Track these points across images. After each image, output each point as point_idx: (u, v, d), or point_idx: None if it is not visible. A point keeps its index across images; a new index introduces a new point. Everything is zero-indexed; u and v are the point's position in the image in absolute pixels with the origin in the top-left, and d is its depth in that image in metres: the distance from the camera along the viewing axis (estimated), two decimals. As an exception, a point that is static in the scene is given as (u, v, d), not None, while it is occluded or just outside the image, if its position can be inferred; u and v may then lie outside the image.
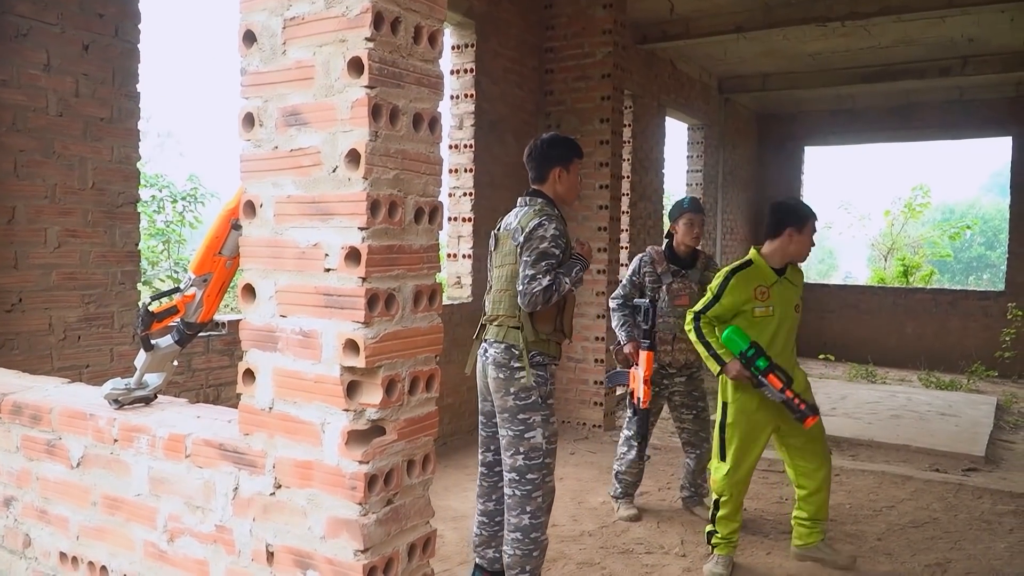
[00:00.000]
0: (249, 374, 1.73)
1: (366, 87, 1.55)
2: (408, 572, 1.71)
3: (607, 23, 6.55)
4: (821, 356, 11.50)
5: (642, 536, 4.20)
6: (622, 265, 7.83)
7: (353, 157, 1.57)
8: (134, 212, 3.74)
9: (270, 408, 1.69)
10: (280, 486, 1.69)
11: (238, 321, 4.15)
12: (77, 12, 3.51)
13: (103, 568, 2.02)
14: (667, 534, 4.24)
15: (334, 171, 1.59)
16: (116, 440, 1.98)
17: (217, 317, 4.20)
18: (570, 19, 6.71)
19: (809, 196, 12.75)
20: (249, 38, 1.71)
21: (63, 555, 2.12)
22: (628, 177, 7.97)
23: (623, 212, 7.91)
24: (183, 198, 10.35)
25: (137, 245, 3.75)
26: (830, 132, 11.98)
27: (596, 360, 6.57)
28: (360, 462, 1.57)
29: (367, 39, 1.55)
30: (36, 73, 3.38)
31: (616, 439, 6.31)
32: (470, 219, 6.04)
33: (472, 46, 6.01)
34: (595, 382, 6.58)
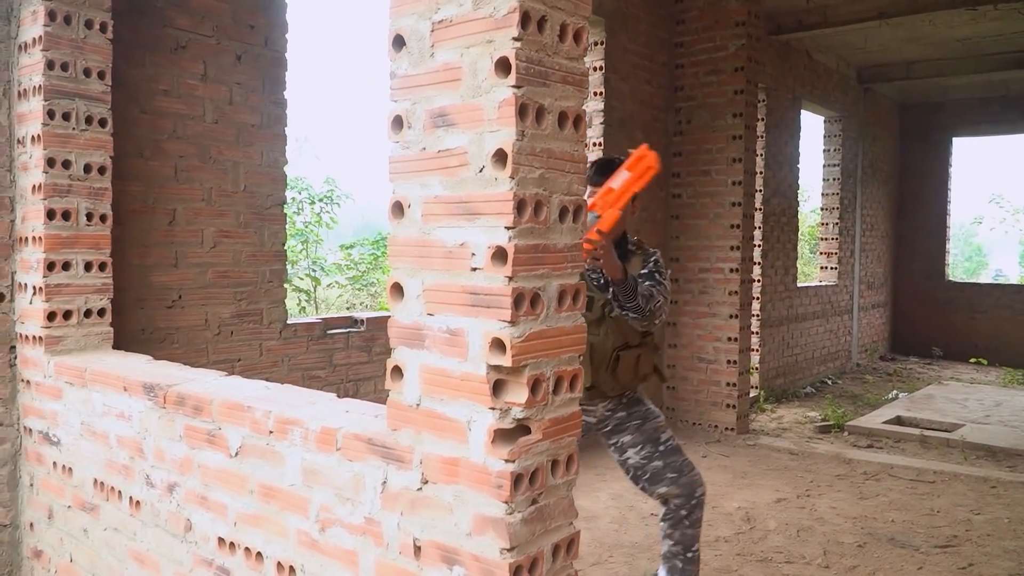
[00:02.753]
0: (397, 371, 1.77)
1: (513, 87, 1.55)
2: (552, 572, 1.70)
3: (740, 15, 6.35)
4: (972, 360, 10.73)
5: (781, 545, 4.04)
6: (755, 263, 7.57)
7: (500, 157, 1.57)
8: (281, 213, 3.93)
9: (417, 404, 1.72)
10: (427, 481, 1.71)
11: (377, 318, 4.31)
12: (230, 24, 3.72)
13: (259, 554, 2.13)
14: (807, 543, 4.06)
15: (481, 171, 1.60)
16: (272, 432, 2.07)
17: (355, 314, 4.36)
18: (701, 12, 6.54)
19: (957, 189, 11.94)
20: (398, 42, 1.75)
21: (221, 540, 2.24)
22: (762, 173, 7.70)
23: (756, 209, 7.65)
24: (320, 200, 10.82)
25: (284, 245, 3.94)
26: (980, 121, 11.15)
27: (729, 361, 6.39)
28: (506, 460, 1.57)
29: (514, 39, 1.55)
30: (194, 83, 3.60)
31: (751, 443, 6.12)
32: (598, 217, 5.99)
33: (601, 43, 5.96)
34: (727, 384, 6.39)
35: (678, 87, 6.68)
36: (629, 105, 6.25)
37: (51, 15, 2.94)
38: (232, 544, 2.20)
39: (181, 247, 3.59)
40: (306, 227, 10.10)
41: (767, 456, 5.77)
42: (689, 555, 3.07)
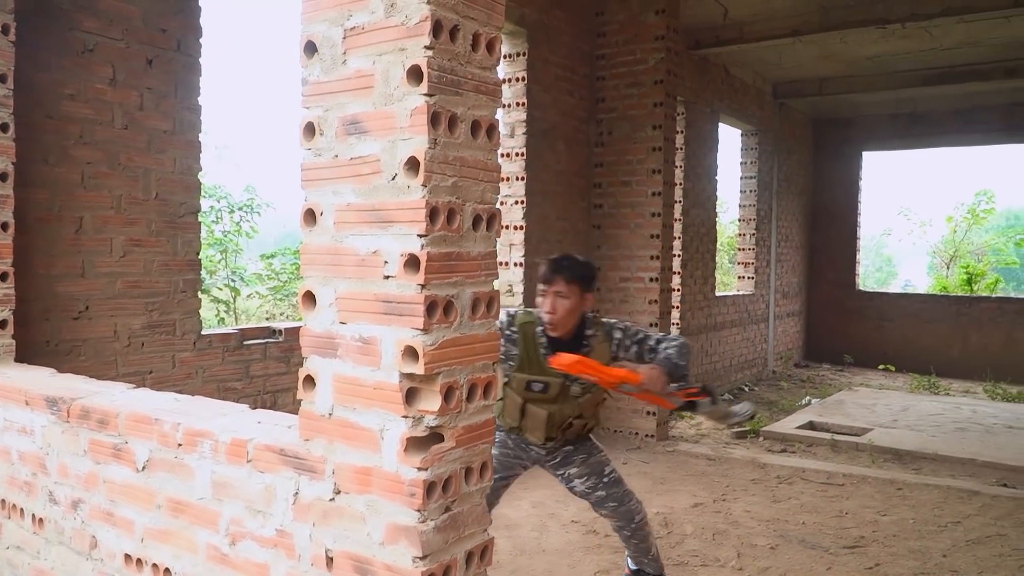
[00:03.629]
0: (309, 380, 1.75)
1: (425, 95, 1.56)
2: (466, 580, 1.70)
3: (659, 29, 6.51)
4: (881, 367, 11.21)
5: (697, 548, 4.13)
6: (675, 273, 7.75)
7: (412, 165, 1.57)
8: (196, 222, 3.83)
9: (330, 414, 1.71)
10: (339, 492, 1.70)
11: (296, 328, 4.23)
12: (141, 27, 3.61)
13: (167, 570, 2.06)
14: (722, 547, 4.16)
15: (393, 179, 1.60)
16: (180, 444, 2.02)
17: (273, 324, 4.28)
18: (622, 25, 6.68)
19: (867, 202, 12.47)
20: (310, 48, 1.74)
21: (128, 557, 2.17)
22: (681, 184, 7.89)
23: (676, 219, 7.83)
24: (240, 208, 10.58)
25: (198, 254, 3.84)
26: (890, 136, 11.69)
27: (649, 369, 6.49)
28: (419, 469, 1.57)
29: (426, 47, 1.56)
30: (102, 87, 3.48)
31: (670, 449, 6.24)
32: (522, 227, 6.04)
33: (523, 54, 6.03)
34: (648, 391, 6.50)
35: (599, 99, 6.80)
36: (551, 116, 6.32)
37: (-52, 13, 2.81)
38: (139, 560, 2.13)
39: (89, 256, 3.46)
40: (225, 236, 9.87)
41: (685, 462, 5.90)
42: (649, 556, 3.43)
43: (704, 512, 4.70)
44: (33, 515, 2.47)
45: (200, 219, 3.87)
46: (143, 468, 2.11)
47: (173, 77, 3.72)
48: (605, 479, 3.26)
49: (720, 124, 8.94)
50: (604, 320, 3.21)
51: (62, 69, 3.35)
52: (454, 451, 1.64)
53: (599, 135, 6.81)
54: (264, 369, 4.16)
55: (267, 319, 10.06)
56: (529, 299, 6.05)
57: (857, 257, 12.09)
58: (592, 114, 6.80)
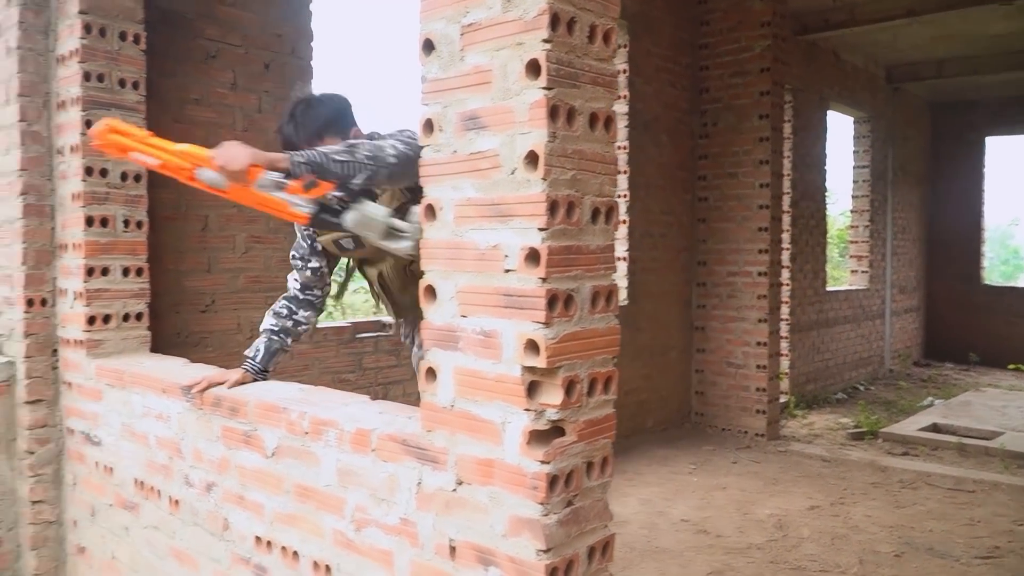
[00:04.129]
0: (431, 372, 1.78)
1: (544, 88, 1.56)
2: (588, 575, 1.70)
3: (765, 15, 6.31)
4: (1011, 366, 10.53)
5: (815, 553, 3.99)
6: (784, 267, 7.51)
7: (531, 159, 1.58)
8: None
9: (451, 406, 1.73)
10: (461, 482, 1.72)
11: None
12: (258, 33, 3.77)
13: (295, 553, 2.15)
14: (843, 552, 4.01)
15: (512, 173, 1.61)
16: (307, 432, 2.09)
17: (384, 319, 4.39)
18: (725, 13, 6.51)
19: (992, 191, 11.73)
20: (428, 46, 1.77)
21: (258, 539, 2.27)
22: (789, 175, 7.64)
23: (784, 211, 7.59)
24: (347, 207, 10.88)
25: (315, 250, 3.98)
26: (1016, 119, 10.96)
27: (758, 366, 6.33)
28: (541, 462, 1.58)
29: (544, 40, 1.56)
30: (224, 92, 3.66)
31: (782, 449, 6.07)
32: (625, 221, 5.98)
33: (625, 46, 5.96)
34: (757, 389, 6.34)
35: (703, 89, 6.66)
36: (654, 108, 6.23)
37: (87, 28, 3.00)
38: (269, 543, 2.23)
39: (214, 253, 3.64)
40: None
41: (799, 463, 5.71)
42: None
43: (821, 515, 4.54)
44: (170, 497, 2.62)
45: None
46: (272, 454, 2.20)
47: (287, 80, 3.87)
48: None
49: (830, 111, 8.60)
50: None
51: (187, 75, 3.54)
52: (575, 445, 1.64)
53: (703, 126, 6.67)
54: (376, 362, 4.27)
55: (374, 313, 10.32)
56: (634, 293, 6.00)
57: (982, 249, 11.40)
58: (695, 105, 6.66)
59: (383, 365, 4.31)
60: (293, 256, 2.64)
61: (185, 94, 3.53)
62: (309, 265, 2.60)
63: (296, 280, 2.63)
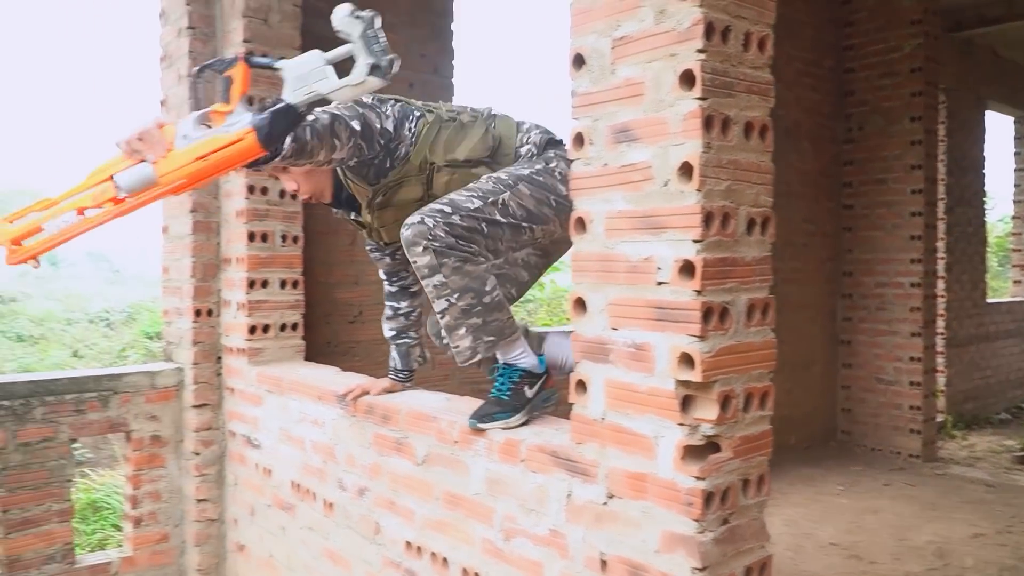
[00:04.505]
0: (581, 385, 1.78)
1: (698, 99, 1.54)
2: (743, 595, 1.65)
3: (915, 13, 5.96)
4: None
5: (979, 582, 3.71)
6: (939, 277, 7.05)
7: (685, 170, 1.56)
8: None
9: (602, 419, 1.73)
10: (612, 496, 1.72)
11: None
12: (404, 53, 3.91)
13: (444, 559, 2.20)
14: (1010, 583, 3.71)
15: (665, 184, 1.60)
16: (456, 442, 2.14)
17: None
18: (872, 12, 6.20)
19: None
20: (578, 61, 1.78)
21: (408, 544, 2.34)
22: (943, 180, 7.18)
23: (939, 218, 7.13)
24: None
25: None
26: None
27: (911, 383, 5.96)
28: (696, 478, 1.55)
29: (699, 50, 1.54)
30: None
31: (940, 472, 5.69)
32: (765, 231, 5.79)
33: (765, 51, 5.78)
34: (910, 407, 5.97)
35: (848, 92, 6.36)
36: (795, 113, 6.01)
37: (250, 55, 3.21)
38: (419, 548, 2.29)
39: (361, 266, 3.80)
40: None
41: (959, 487, 5.33)
42: None
43: (986, 544, 4.21)
44: (324, 499, 2.74)
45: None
46: (422, 462, 2.27)
47: (430, 99, 3.98)
48: None
49: (988, 111, 8.02)
50: None
51: (339, 98, 3.71)
52: (731, 462, 1.60)
53: (848, 131, 6.37)
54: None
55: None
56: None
57: None
58: (839, 109, 6.37)
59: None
60: (369, 251, 2.59)
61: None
62: (384, 252, 2.52)
63: (383, 273, 2.59)
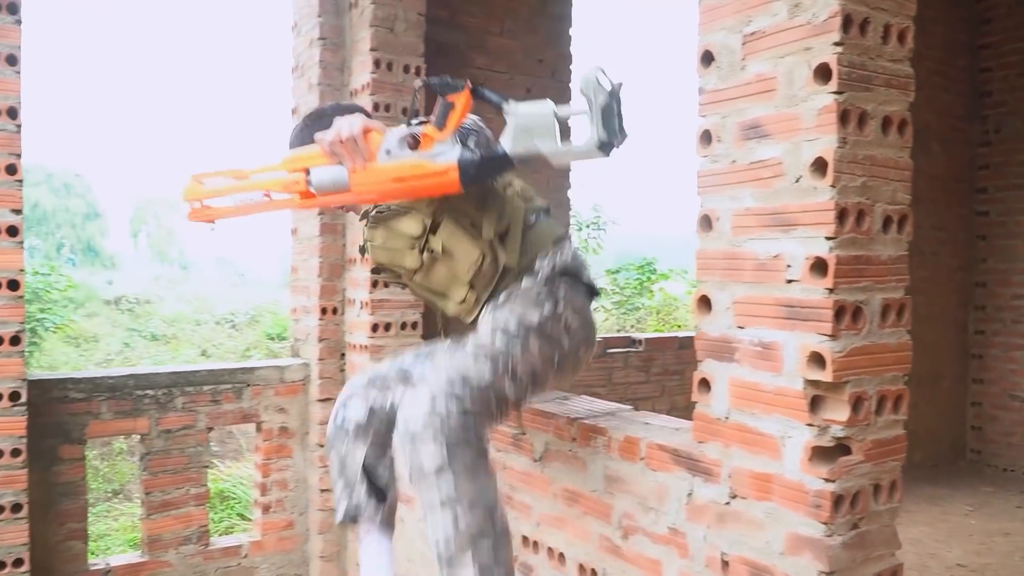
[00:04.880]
0: (704, 383, 1.77)
1: (834, 93, 1.51)
2: (873, 604, 1.60)
3: (1062, 7, 5.60)
4: None
5: None
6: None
7: (819, 165, 1.53)
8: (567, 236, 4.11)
9: (726, 418, 1.72)
10: (736, 496, 1.70)
11: (654, 339, 4.34)
12: (521, 60, 3.99)
13: (561, 555, 2.22)
14: None
15: (797, 181, 1.57)
16: (574, 439, 2.16)
17: (633, 335, 4.43)
18: (1010, 9, 5.85)
19: None
20: (707, 58, 1.78)
21: (525, 539, 2.37)
22: (1091, 185, 6.67)
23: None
24: (588, 226, 11.15)
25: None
26: None
27: (1051, 400, 5.58)
28: (825, 480, 1.52)
29: (835, 44, 1.51)
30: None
31: (1080, 496, 5.28)
32: (890, 238, 5.54)
33: (893, 51, 5.55)
34: (1049, 426, 5.58)
35: (984, 93, 6.02)
36: (924, 115, 5.73)
37: (376, 63, 3.35)
38: (536, 543, 2.32)
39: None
40: (575, 253, 10.41)
41: (1108, 513, 4.94)
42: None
43: None
44: (441, 493, 2.81)
45: (571, 232, 4.14)
46: (539, 458, 2.30)
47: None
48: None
49: None
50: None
51: (459, 104, 3.81)
52: (862, 465, 1.56)
53: (984, 133, 6.02)
54: (625, 377, 4.31)
55: (617, 331, 10.43)
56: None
57: None
58: (974, 111, 6.04)
59: (632, 381, 4.34)
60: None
61: (456, 118, 3.80)
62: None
63: None
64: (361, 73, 3.42)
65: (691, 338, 4.51)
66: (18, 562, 2.84)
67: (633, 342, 4.41)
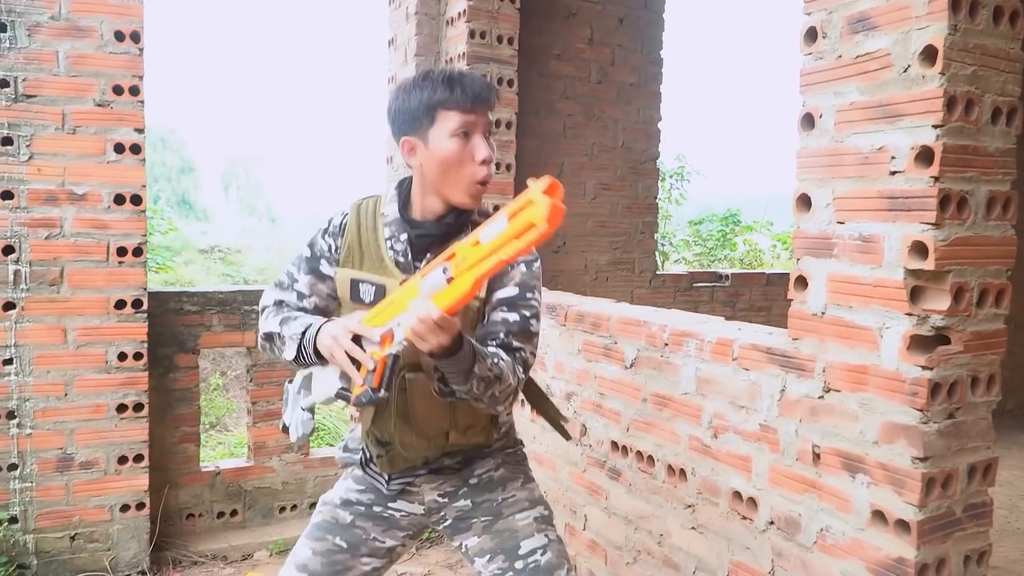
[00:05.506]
0: (801, 281, 1.80)
1: (947, -21, 1.49)
2: (967, 494, 1.62)
3: None
4: None
5: None
6: None
7: (929, 54, 1.52)
8: (654, 168, 4.12)
9: (822, 313, 1.74)
10: (829, 390, 1.73)
11: (741, 275, 4.33)
12: (616, -12, 3.97)
13: (650, 457, 2.30)
14: None
15: (905, 71, 1.57)
16: (666, 344, 2.22)
17: (720, 270, 4.42)
18: None
19: None
20: (813, -45, 1.77)
21: (614, 444, 2.45)
22: None
23: None
24: (671, 176, 10.99)
25: (656, 198, 4.13)
26: None
27: None
28: (923, 367, 1.53)
29: (949, -70, 1.49)
30: (582, 47, 3.91)
31: None
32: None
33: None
34: None
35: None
36: None
37: (472, -9, 3.39)
38: (624, 447, 2.41)
39: (567, 197, 3.91)
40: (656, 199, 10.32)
41: None
42: None
43: None
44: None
45: (657, 165, 4.14)
46: (630, 365, 2.37)
47: (640, 33, 4.02)
48: (521, 563, 1.63)
49: None
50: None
51: (550, 33, 3.84)
52: (961, 356, 1.57)
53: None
54: (711, 311, 4.32)
55: (705, 265, 10.31)
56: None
57: None
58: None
59: (718, 315, 4.33)
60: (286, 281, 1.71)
61: (548, 49, 3.84)
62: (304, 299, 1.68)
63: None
64: (457, 1, 3.47)
65: (780, 275, 4.50)
66: (139, 458, 3.08)
67: (720, 277, 4.40)
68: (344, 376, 1.47)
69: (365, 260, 1.60)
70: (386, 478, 1.71)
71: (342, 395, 1.47)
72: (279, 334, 1.59)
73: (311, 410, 1.55)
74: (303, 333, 1.52)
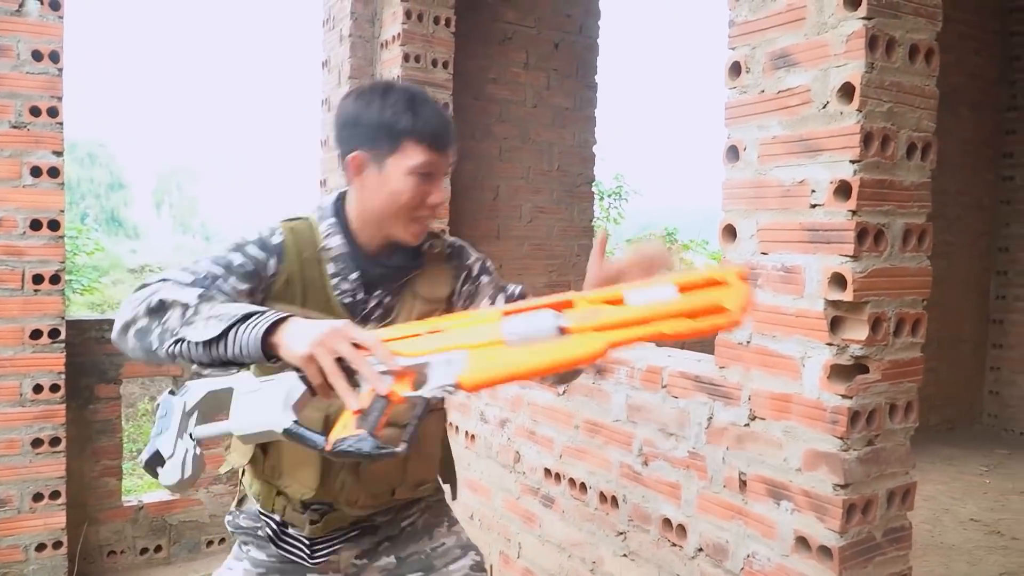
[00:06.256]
0: (727, 309, 1.82)
1: (863, 19, 1.54)
2: (886, 519, 1.65)
3: (1098, -31, 5.51)
4: None
5: None
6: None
7: (846, 91, 1.57)
8: (590, 191, 4.16)
9: (747, 343, 1.77)
10: (755, 418, 1.75)
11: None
12: (550, 15, 4.00)
13: (582, 484, 2.29)
14: None
15: (824, 107, 1.61)
16: (598, 372, 2.22)
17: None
18: (1046, -28, 5.77)
19: None
20: (737, -9, 1.80)
21: (547, 471, 2.44)
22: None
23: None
24: (609, 195, 11.13)
25: (592, 221, 4.16)
26: None
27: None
28: (843, 396, 1.57)
29: (864, -29, 1.54)
30: (517, 71, 3.93)
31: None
32: (914, 202, 5.52)
33: (922, 13, 5.49)
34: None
35: (1014, 57, 5.95)
36: (953, 78, 5.67)
37: (407, 14, 3.38)
38: (557, 475, 2.40)
39: (503, 220, 3.93)
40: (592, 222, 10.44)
41: (1122, 478, 4.95)
42: None
43: None
44: (466, 432, 2.89)
45: (594, 189, 4.18)
46: (563, 392, 2.37)
47: (575, 58, 4.07)
48: None
49: None
50: (465, 246, 1.57)
51: (486, 56, 3.85)
52: (879, 384, 1.61)
53: (1012, 98, 5.96)
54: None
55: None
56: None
57: None
58: (1004, 75, 5.97)
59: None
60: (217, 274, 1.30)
61: (484, 73, 3.85)
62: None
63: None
64: (391, 24, 3.46)
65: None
66: (55, 494, 2.95)
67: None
68: (297, 405, 1.05)
69: (309, 298, 1.35)
70: (308, 546, 1.45)
71: (296, 434, 1.04)
72: (188, 305, 1.13)
73: (199, 443, 1.10)
74: (246, 316, 1.07)
